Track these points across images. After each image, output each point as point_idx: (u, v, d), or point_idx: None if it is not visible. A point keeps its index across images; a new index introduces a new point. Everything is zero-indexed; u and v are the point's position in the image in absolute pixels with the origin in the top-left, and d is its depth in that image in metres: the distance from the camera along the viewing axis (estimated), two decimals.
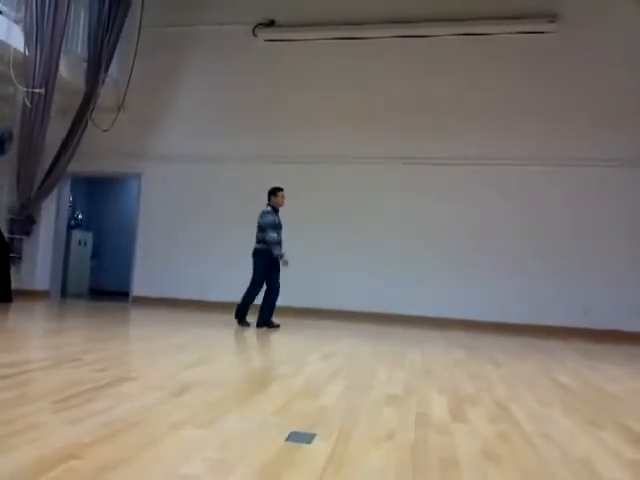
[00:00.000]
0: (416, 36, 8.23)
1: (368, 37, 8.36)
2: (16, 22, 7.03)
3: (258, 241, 6.39)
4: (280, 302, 8.20)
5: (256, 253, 6.40)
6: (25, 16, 6.99)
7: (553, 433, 2.43)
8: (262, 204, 8.56)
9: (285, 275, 8.34)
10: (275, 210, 6.39)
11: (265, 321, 6.37)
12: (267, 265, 6.31)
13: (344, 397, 2.96)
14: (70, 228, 9.86)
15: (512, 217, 7.89)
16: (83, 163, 8.60)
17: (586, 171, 7.69)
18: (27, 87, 7.06)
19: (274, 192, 6.44)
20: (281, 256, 6.23)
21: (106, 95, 8.42)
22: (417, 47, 8.28)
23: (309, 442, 2.07)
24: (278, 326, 6.39)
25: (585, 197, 7.74)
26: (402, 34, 8.25)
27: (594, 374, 4.32)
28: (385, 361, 4.56)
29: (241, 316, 6.42)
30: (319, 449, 2.01)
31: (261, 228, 6.31)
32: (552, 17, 7.80)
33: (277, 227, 6.31)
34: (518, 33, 7.94)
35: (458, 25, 8.06)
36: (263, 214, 6.35)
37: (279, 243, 6.29)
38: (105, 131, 8.37)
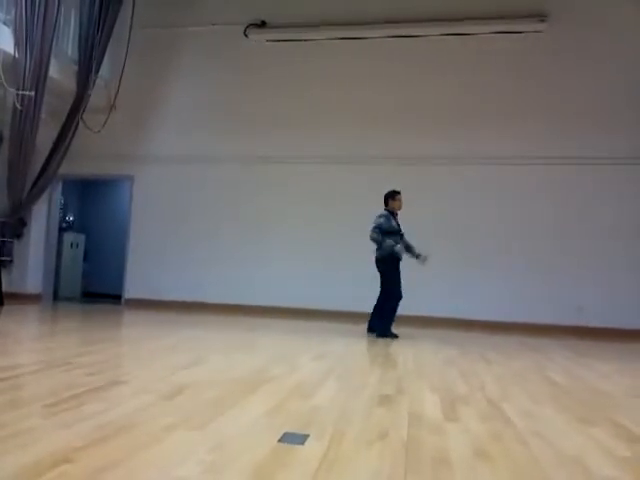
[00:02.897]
0: (408, 36, 8.25)
1: (360, 37, 8.38)
2: (5, 24, 6.99)
3: (378, 247, 6.07)
4: (273, 303, 8.25)
5: (380, 260, 6.07)
6: (15, 18, 6.96)
7: (545, 431, 2.44)
8: (257, 204, 8.63)
9: (276, 275, 8.37)
10: (393, 214, 6.12)
11: (384, 332, 5.99)
12: (396, 269, 6.01)
13: (337, 397, 2.97)
14: (62, 230, 9.81)
15: (504, 215, 7.92)
16: (75, 165, 8.57)
17: (580, 170, 7.73)
18: (17, 89, 7.03)
19: (392, 196, 6.14)
20: (418, 256, 6.03)
21: (97, 96, 8.39)
22: (409, 47, 8.30)
23: (302, 443, 2.07)
24: (396, 336, 5.98)
25: (579, 196, 7.78)
26: (393, 34, 8.28)
27: (586, 372, 4.34)
28: (377, 361, 4.57)
29: (388, 332, 6.00)
30: (312, 450, 2.01)
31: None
32: (542, 17, 7.84)
33: (395, 232, 6.02)
34: (510, 33, 7.97)
35: (449, 25, 8.09)
36: (376, 218, 6.03)
37: (397, 246, 6.00)
38: (97, 132, 8.33)
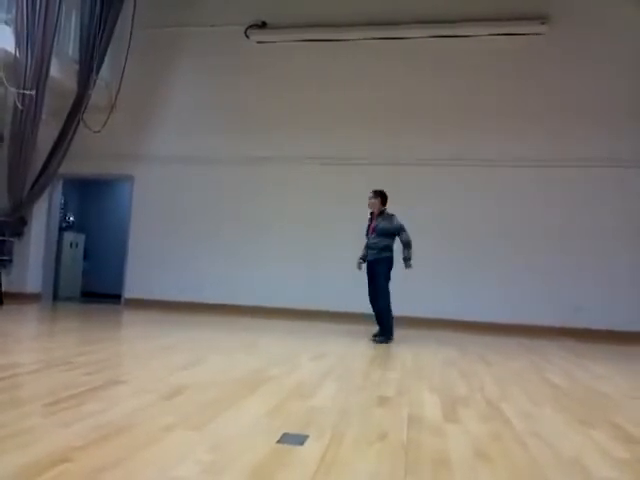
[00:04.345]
0: (409, 38, 8.24)
1: (361, 39, 8.37)
2: (6, 23, 6.99)
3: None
4: (272, 303, 8.25)
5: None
6: (16, 17, 6.95)
7: (544, 432, 2.44)
8: (257, 205, 8.64)
9: (276, 276, 8.37)
10: (371, 215, 6.19)
11: (387, 334, 5.94)
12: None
13: (336, 398, 2.97)
14: (62, 230, 9.80)
15: (503, 217, 7.91)
16: (75, 165, 8.56)
17: (579, 171, 7.72)
18: (18, 88, 7.02)
19: None
20: (406, 260, 5.88)
21: (98, 96, 8.39)
22: (410, 49, 8.29)
23: (301, 444, 2.07)
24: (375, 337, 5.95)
25: (577, 197, 7.77)
26: (394, 36, 8.27)
27: (585, 373, 4.34)
28: (377, 362, 4.57)
29: (390, 334, 5.92)
30: (311, 451, 2.01)
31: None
32: (544, 19, 7.84)
33: (365, 233, 6.16)
34: (510, 35, 7.98)
35: (451, 27, 8.06)
36: None
37: (366, 248, 6.10)
38: (97, 132, 8.34)
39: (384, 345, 5.57)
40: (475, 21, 8.03)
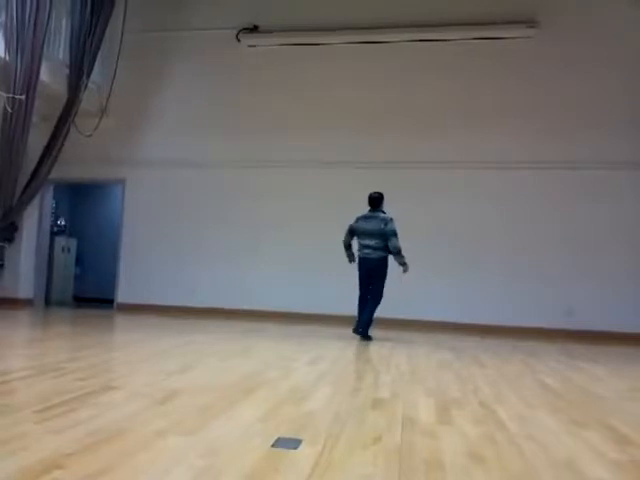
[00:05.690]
0: (400, 41, 8.27)
1: (352, 42, 8.40)
2: None
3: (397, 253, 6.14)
4: (266, 307, 8.22)
5: (384, 262, 6.28)
6: (5, 21, 6.92)
7: (538, 434, 2.44)
8: (250, 208, 8.62)
9: (270, 280, 8.35)
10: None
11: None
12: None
13: (331, 402, 2.96)
14: (53, 235, 9.75)
15: (496, 218, 7.95)
16: (66, 169, 8.52)
17: (575, 174, 7.77)
18: (8, 93, 6.98)
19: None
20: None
21: (89, 100, 8.36)
22: (401, 52, 8.32)
23: (296, 448, 2.06)
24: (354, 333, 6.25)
25: (572, 199, 7.81)
26: (386, 40, 8.30)
27: (579, 375, 4.36)
28: (371, 364, 4.57)
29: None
30: (306, 455, 2.00)
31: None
32: (532, 22, 7.89)
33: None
34: (499, 39, 8.01)
35: (447, 30, 8.10)
36: (390, 223, 6.15)
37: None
38: (88, 137, 8.30)
39: (378, 348, 5.55)
40: (462, 25, 8.04)
